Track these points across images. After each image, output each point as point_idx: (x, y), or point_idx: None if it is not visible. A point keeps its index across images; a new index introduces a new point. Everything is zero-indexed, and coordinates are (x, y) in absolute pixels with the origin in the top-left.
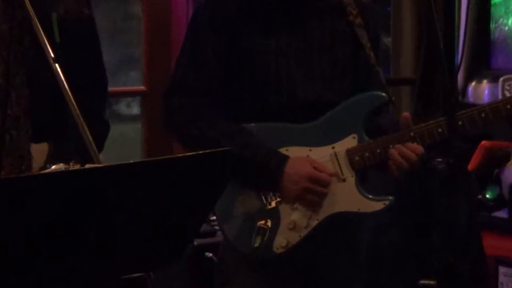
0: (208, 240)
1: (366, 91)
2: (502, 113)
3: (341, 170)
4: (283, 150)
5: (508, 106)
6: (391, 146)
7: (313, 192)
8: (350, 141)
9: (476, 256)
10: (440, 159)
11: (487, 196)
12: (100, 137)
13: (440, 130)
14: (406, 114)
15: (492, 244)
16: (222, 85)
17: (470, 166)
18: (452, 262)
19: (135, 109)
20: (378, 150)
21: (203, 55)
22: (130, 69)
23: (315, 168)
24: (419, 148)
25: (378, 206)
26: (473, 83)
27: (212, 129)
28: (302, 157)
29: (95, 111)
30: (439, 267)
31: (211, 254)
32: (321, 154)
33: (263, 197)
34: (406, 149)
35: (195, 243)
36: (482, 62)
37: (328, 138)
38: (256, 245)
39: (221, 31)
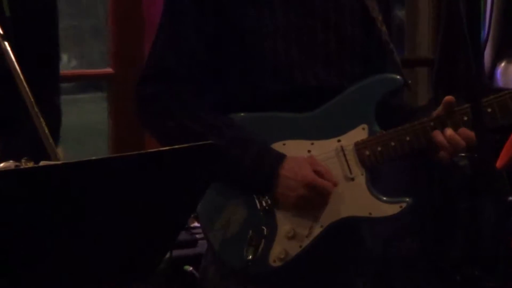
0: (188, 251)
1: (378, 74)
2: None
3: (349, 168)
4: (279, 145)
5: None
6: (407, 138)
7: (310, 201)
8: (359, 133)
9: (505, 270)
10: (462, 154)
11: None
12: (54, 126)
13: (465, 118)
14: (450, 97)
15: None
16: (206, 69)
17: (499, 163)
18: (477, 276)
19: (101, 95)
20: (393, 143)
21: (184, 34)
22: (95, 48)
23: (316, 172)
24: (473, 138)
25: (393, 209)
26: (503, 63)
27: (194, 120)
28: (301, 157)
29: (46, 96)
30: (462, 282)
31: (191, 268)
32: (325, 149)
33: (256, 200)
34: (457, 136)
35: (172, 254)
36: None
37: (333, 129)
38: (249, 257)
39: (205, 5)
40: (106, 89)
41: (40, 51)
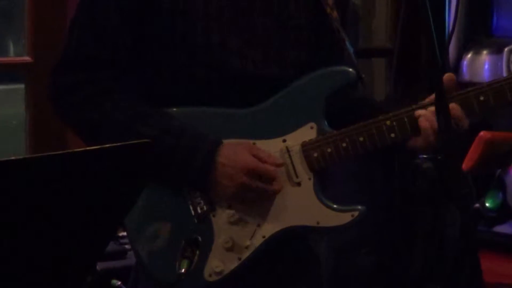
0: (116, 263)
1: (329, 66)
2: (507, 95)
3: (294, 171)
4: None
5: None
6: (361, 139)
7: (252, 190)
8: (307, 132)
9: (472, 284)
10: (424, 156)
11: (487, 204)
12: None
13: None
14: (450, 74)
15: (494, 268)
16: (131, 57)
17: (464, 165)
18: None
19: (18, 87)
20: (344, 144)
21: (105, 18)
22: (11, 34)
23: (255, 156)
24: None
25: (344, 218)
26: (469, 55)
27: (120, 110)
28: (239, 143)
29: None
30: None
31: (119, 282)
32: (269, 149)
33: (190, 205)
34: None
35: (99, 267)
36: (481, 27)
37: (277, 128)
38: (182, 271)
39: None
40: (24, 80)
41: None
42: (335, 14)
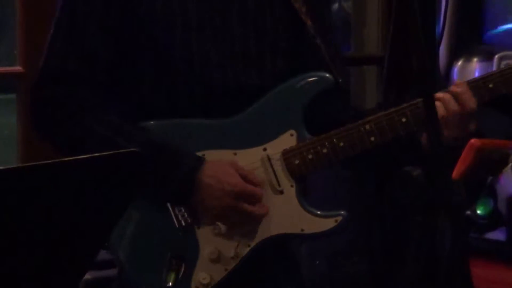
0: (107, 272)
1: (305, 73)
2: (482, 93)
3: (276, 179)
4: None
5: (491, 85)
6: (341, 144)
7: (239, 212)
8: (287, 140)
9: None
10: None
11: (478, 212)
12: None
13: (404, 120)
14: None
15: (485, 275)
16: (113, 72)
17: (455, 173)
18: None
19: (9, 97)
20: (325, 151)
21: (85, 33)
22: (2, 44)
23: (242, 177)
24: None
25: (328, 224)
26: (460, 62)
27: (102, 125)
28: (224, 162)
29: None
30: None
31: None
32: (250, 159)
33: (174, 218)
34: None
35: (89, 276)
36: (472, 34)
37: (257, 136)
38: (169, 284)
39: None
40: (15, 90)
41: None
42: (309, 21)
